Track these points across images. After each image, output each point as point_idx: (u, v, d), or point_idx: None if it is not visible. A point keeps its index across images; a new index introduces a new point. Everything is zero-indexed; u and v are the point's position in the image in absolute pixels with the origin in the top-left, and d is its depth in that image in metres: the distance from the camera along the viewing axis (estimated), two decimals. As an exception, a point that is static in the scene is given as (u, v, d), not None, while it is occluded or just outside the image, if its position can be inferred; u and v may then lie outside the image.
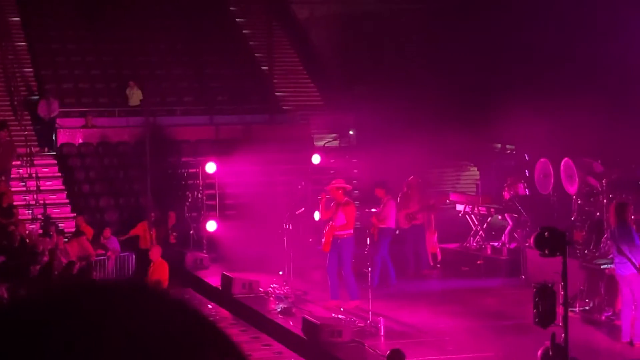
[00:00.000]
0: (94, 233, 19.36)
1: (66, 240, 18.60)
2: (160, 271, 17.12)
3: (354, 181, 20.94)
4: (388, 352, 11.69)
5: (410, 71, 28.13)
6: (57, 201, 22.73)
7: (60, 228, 19.78)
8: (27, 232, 18.86)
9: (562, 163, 17.13)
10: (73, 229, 19.53)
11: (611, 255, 13.53)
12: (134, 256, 18.85)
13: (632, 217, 13.02)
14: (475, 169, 25.66)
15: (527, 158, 21.24)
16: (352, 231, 15.34)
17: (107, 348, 1.09)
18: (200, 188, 21.86)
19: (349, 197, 15.81)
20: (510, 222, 18.95)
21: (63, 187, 23.31)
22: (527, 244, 15.52)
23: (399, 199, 18.12)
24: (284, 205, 18.29)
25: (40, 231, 18.92)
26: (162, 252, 17.37)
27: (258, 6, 30.01)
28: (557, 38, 20.97)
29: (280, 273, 16.95)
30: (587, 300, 14.32)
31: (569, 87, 19.69)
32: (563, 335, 10.18)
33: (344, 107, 26.68)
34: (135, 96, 25.63)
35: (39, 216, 21.60)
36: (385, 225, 16.75)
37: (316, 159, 22.29)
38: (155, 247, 17.69)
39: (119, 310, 1.13)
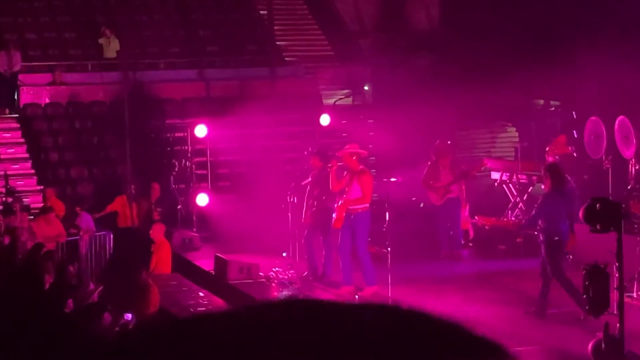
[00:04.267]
0: (65, 209, 19.38)
1: (32, 217, 18.63)
2: (162, 252, 17.17)
3: (370, 146, 20.88)
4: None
5: (435, 15, 27.99)
6: (20, 172, 22.79)
7: (25, 204, 19.80)
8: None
9: (617, 121, 17.05)
10: (40, 205, 19.56)
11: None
12: (111, 236, 18.87)
13: None
14: (514, 130, 25.60)
15: (575, 116, 21.17)
16: (368, 205, 15.31)
17: None
18: (189, 155, 21.89)
19: (364, 165, 15.78)
20: (555, 193, 18.90)
21: (27, 156, 23.36)
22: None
23: (426, 170, 18.04)
24: (287, 174, 18.27)
25: (1, 207, 18.92)
26: (165, 231, 17.47)
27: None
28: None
29: (284, 255, 17.00)
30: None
31: (625, 33, 19.56)
32: (618, 325, 10.16)
33: (358, 58, 26.57)
34: (111, 47, 25.60)
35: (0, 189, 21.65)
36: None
37: (325, 119, 22.25)
38: (157, 224, 17.80)
39: None
